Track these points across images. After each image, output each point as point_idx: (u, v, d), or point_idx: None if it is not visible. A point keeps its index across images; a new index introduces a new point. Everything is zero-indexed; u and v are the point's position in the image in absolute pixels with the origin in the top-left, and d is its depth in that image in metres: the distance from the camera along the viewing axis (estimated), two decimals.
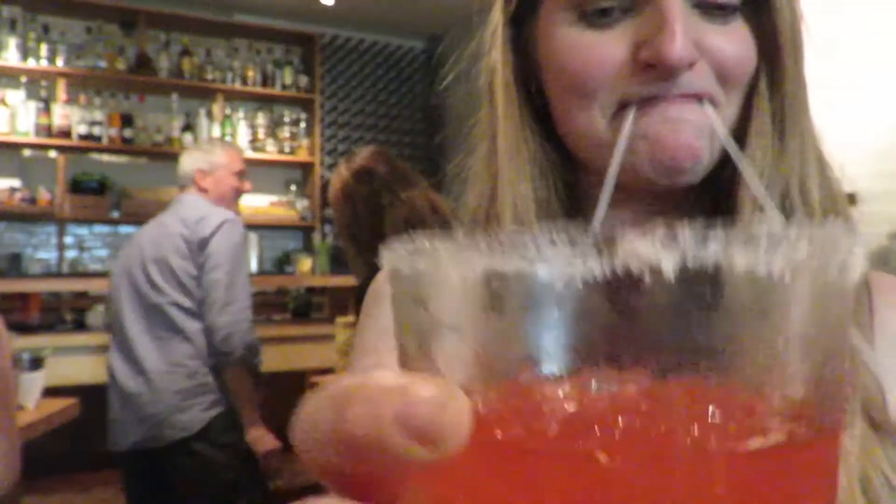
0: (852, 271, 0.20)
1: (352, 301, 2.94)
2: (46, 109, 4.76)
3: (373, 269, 1.26)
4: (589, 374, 0.20)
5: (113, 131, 4.93)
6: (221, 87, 5.25)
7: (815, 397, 0.20)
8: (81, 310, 4.18)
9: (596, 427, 0.20)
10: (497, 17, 0.60)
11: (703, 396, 0.19)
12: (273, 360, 3.16)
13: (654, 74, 0.50)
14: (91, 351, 3.54)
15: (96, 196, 4.90)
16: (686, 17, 0.49)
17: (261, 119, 5.44)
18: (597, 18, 0.52)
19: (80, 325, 4.06)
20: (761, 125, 0.54)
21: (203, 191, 2.64)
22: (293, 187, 5.66)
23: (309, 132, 5.57)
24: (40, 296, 4.08)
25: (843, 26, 2.67)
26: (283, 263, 5.46)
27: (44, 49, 4.82)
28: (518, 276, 0.20)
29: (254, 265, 5.15)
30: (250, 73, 5.36)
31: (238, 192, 2.73)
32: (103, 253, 5.19)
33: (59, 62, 4.85)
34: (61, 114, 4.78)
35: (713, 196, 0.56)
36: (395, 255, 0.22)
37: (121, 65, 4.97)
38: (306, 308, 4.75)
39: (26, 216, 4.87)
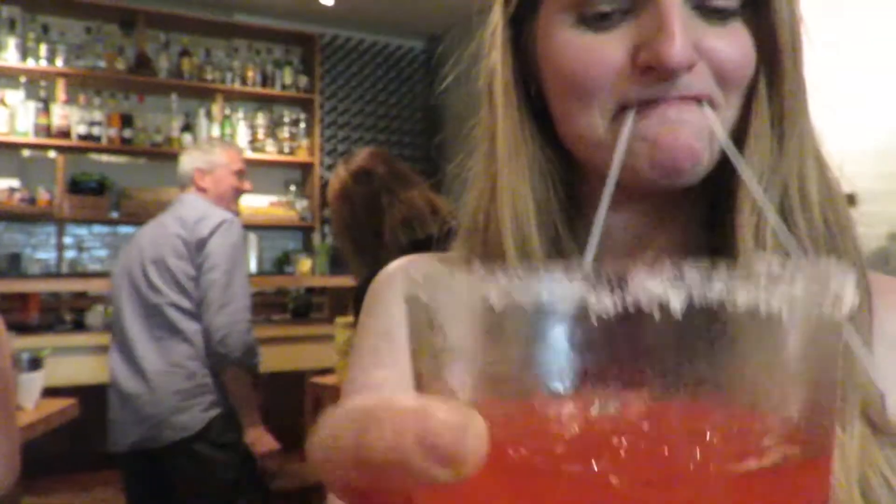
0: (843, 305, 0.21)
1: (351, 301, 2.94)
2: (46, 109, 4.76)
3: (371, 270, 1.26)
4: (597, 397, 0.21)
5: (112, 131, 4.93)
6: (221, 87, 5.25)
7: (808, 422, 0.21)
8: (81, 310, 4.18)
9: (603, 448, 0.21)
10: (497, 18, 0.60)
11: (705, 421, 0.21)
12: (273, 360, 3.16)
13: (653, 77, 0.50)
14: (90, 351, 3.54)
15: (95, 196, 4.90)
16: (685, 19, 0.49)
17: (260, 119, 5.44)
18: (596, 21, 0.52)
19: (79, 326, 4.06)
20: (760, 127, 0.54)
21: (202, 190, 2.64)
22: (293, 187, 5.66)
23: (308, 132, 5.57)
24: (39, 296, 4.08)
25: (842, 29, 2.67)
26: (282, 264, 5.46)
27: (43, 49, 4.82)
28: (532, 308, 0.21)
29: (253, 265, 5.15)
30: (250, 74, 5.36)
31: (238, 192, 2.73)
32: (102, 253, 5.19)
33: (59, 62, 4.85)
34: (60, 114, 4.78)
35: (712, 197, 0.56)
36: (413, 283, 0.23)
37: (120, 65, 4.97)
38: (306, 308, 4.76)
39: (25, 216, 4.87)
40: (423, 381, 0.24)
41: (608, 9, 0.51)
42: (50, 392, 2.43)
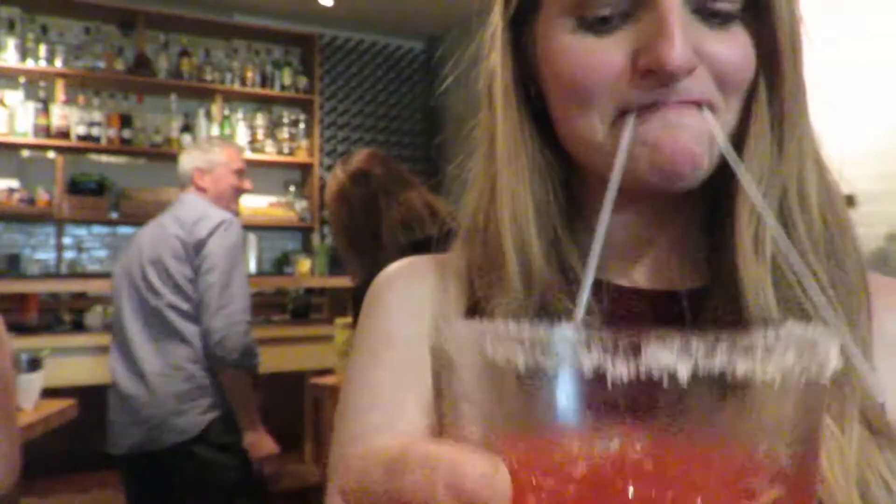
0: (828, 370, 0.25)
1: (349, 302, 2.94)
2: (45, 110, 4.76)
3: (370, 271, 1.25)
4: (609, 442, 0.24)
5: (112, 132, 4.93)
6: (220, 87, 5.25)
7: (796, 468, 0.25)
8: (80, 310, 4.17)
9: (611, 489, 0.24)
10: (497, 20, 0.60)
11: (705, 466, 0.24)
12: (272, 361, 3.16)
13: (653, 81, 0.50)
14: (89, 352, 3.53)
15: (95, 197, 4.90)
16: (685, 23, 0.49)
17: (260, 120, 5.44)
18: (596, 25, 0.51)
19: (78, 326, 4.05)
20: (760, 130, 0.54)
21: (202, 190, 2.62)
22: (292, 188, 5.66)
23: (308, 133, 5.57)
24: (39, 296, 4.07)
25: (842, 27, 2.68)
26: (281, 264, 5.46)
27: (42, 49, 4.82)
28: (552, 370, 0.24)
29: (253, 266, 5.15)
30: (249, 74, 5.36)
31: (238, 191, 2.71)
32: (102, 254, 5.19)
33: (58, 63, 4.85)
34: (60, 114, 4.78)
35: (712, 200, 0.56)
36: (438, 335, 0.26)
37: (119, 65, 4.97)
38: (305, 309, 4.76)
39: (25, 217, 4.87)
40: (445, 423, 0.26)
41: (608, 12, 0.51)
42: (49, 393, 2.43)
